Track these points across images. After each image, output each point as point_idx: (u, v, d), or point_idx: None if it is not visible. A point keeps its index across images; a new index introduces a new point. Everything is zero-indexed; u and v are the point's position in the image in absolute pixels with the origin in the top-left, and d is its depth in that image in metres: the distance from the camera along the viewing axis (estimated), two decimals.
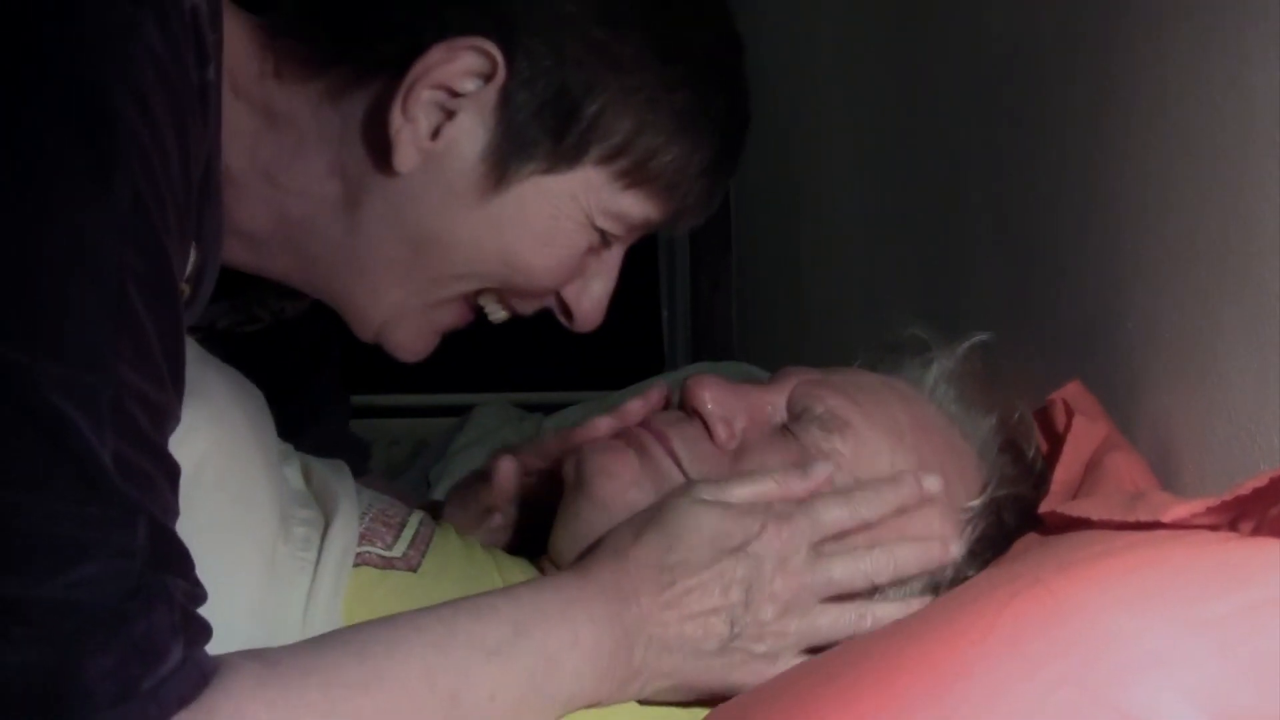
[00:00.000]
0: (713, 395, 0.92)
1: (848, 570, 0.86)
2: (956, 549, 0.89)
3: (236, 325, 1.06)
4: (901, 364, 1.00)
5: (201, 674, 0.67)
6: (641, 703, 0.84)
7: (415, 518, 0.95)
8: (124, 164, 0.68)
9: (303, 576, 0.85)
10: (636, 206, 0.90)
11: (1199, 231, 0.87)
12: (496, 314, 0.96)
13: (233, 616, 0.75)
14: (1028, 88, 1.16)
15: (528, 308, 0.95)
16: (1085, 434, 0.91)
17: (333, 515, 0.89)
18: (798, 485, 0.88)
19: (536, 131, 0.86)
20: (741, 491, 0.87)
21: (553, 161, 0.86)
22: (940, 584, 0.90)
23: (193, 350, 0.78)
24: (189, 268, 0.81)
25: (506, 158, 0.86)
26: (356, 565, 0.88)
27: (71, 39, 0.69)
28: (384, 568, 0.88)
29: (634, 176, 0.88)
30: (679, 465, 0.91)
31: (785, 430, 0.93)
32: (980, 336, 0.99)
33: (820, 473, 0.88)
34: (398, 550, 0.91)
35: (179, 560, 0.69)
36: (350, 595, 0.86)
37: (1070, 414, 0.94)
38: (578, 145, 0.86)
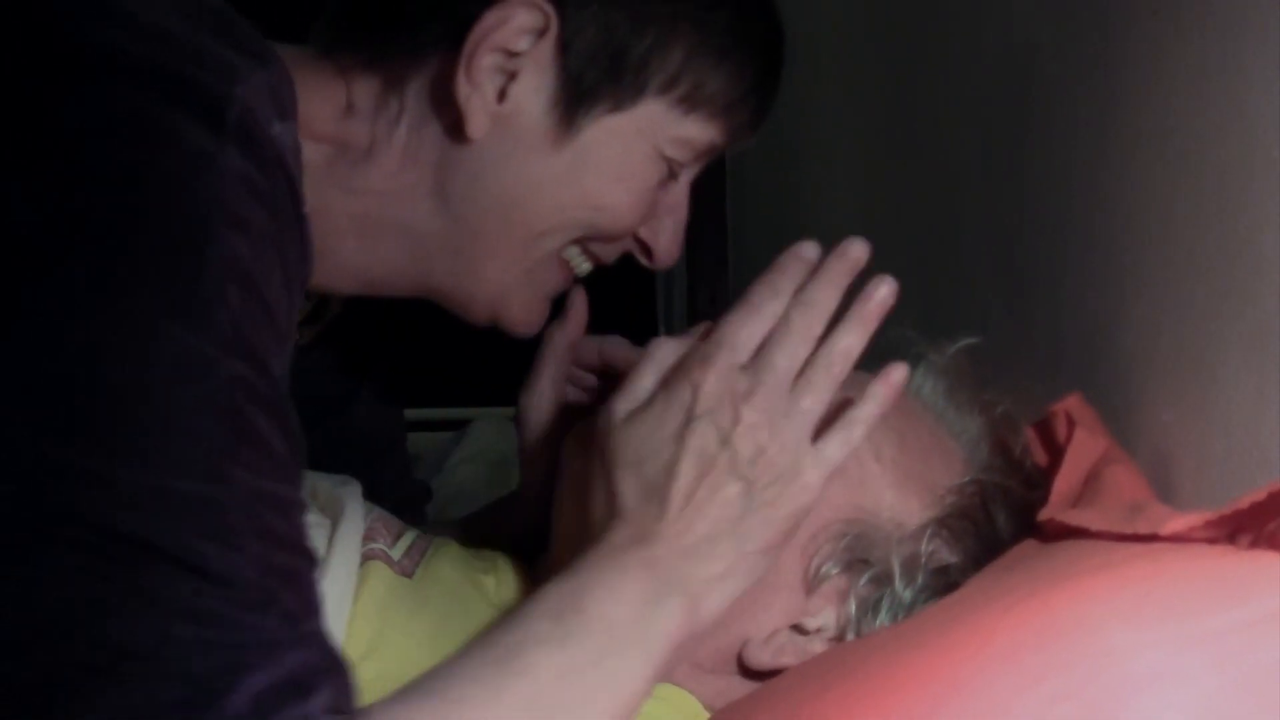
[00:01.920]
0: None
1: (785, 354, 0.81)
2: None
3: None
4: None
5: None
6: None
7: (413, 531, 0.95)
8: (220, 285, 0.69)
9: None
10: (699, 130, 0.93)
11: (1199, 249, 0.87)
12: (581, 266, 0.98)
13: None
14: (1030, 105, 1.16)
15: (610, 253, 0.98)
16: (1086, 446, 0.91)
17: (339, 519, 0.90)
18: (685, 342, 0.83)
19: (596, 75, 0.89)
20: (644, 381, 0.82)
21: (616, 100, 0.90)
22: (925, 571, 0.88)
23: None
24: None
25: (573, 106, 0.90)
26: (366, 561, 0.89)
27: (162, 172, 0.70)
28: (389, 565, 0.89)
29: (692, 101, 0.92)
30: None
31: None
32: (970, 339, 0.99)
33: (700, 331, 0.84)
34: (396, 554, 0.92)
35: None
36: (361, 588, 0.86)
37: (1071, 425, 0.94)
38: (636, 80, 0.90)
